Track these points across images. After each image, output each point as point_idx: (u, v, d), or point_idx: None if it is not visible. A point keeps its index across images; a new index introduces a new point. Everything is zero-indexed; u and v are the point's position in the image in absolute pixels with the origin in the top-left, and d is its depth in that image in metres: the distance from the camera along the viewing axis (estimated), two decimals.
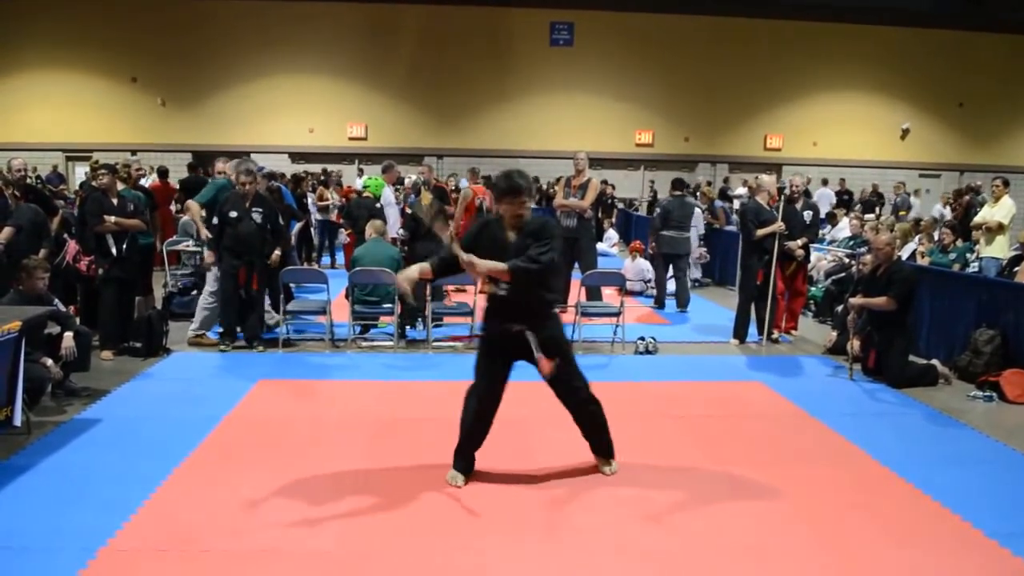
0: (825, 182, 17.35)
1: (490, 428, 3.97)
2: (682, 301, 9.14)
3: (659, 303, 9.32)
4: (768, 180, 7.65)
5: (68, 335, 5.00)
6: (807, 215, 7.48)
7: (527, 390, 4.04)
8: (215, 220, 6.55)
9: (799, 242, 7.26)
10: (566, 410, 4.03)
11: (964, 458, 4.50)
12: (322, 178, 14.32)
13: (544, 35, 20.40)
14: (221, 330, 6.75)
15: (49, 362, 4.86)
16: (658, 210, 9.56)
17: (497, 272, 3.63)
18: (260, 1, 19.34)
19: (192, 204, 7.17)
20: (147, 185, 11.69)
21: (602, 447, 4.11)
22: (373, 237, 7.27)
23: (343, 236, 12.82)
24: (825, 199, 15.74)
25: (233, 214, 6.48)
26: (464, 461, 4.00)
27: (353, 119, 20.24)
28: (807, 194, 9.41)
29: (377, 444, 4.50)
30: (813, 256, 10.18)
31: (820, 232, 12.89)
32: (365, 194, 9.05)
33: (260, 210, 6.55)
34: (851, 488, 3.99)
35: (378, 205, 8.97)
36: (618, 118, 20.66)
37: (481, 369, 3.92)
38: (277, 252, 6.72)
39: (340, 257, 12.37)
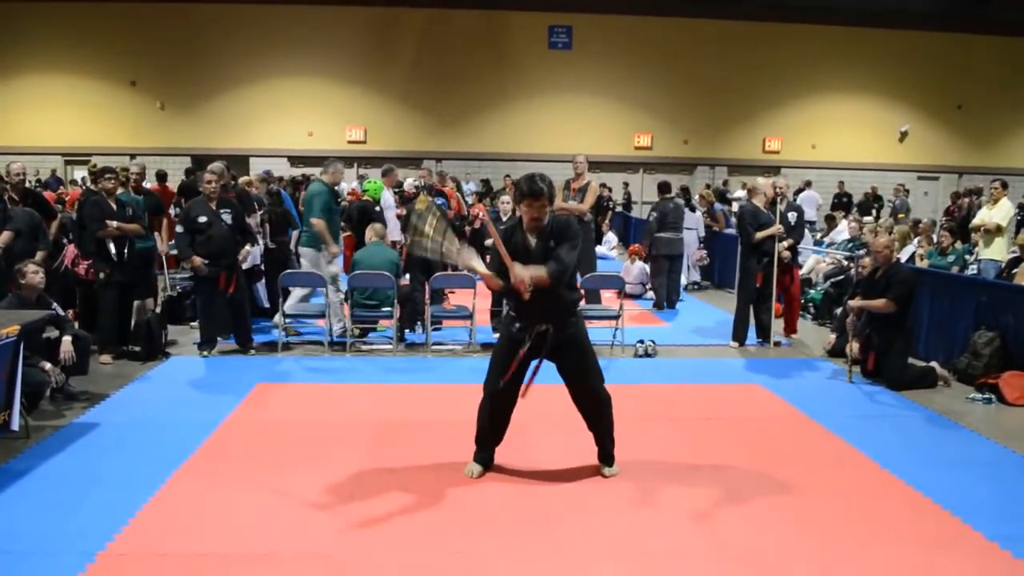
0: (809, 183, 17.19)
1: (507, 427, 4.06)
2: (672, 301, 9.39)
3: (658, 306, 9.35)
4: (763, 182, 7.65)
5: (67, 339, 5.01)
6: (791, 216, 7.48)
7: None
8: (181, 228, 6.34)
9: (784, 244, 7.26)
10: (566, 412, 4.03)
11: (964, 460, 4.49)
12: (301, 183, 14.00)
13: (543, 38, 20.42)
14: (201, 339, 6.56)
15: (48, 366, 4.86)
16: (654, 213, 9.60)
17: (540, 280, 3.57)
18: (259, 4, 19.37)
19: (318, 222, 6.83)
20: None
21: (608, 455, 4.12)
22: (373, 241, 7.27)
23: None
24: (809, 202, 15.51)
25: (202, 219, 6.26)
26: (484, 453, 4.08)
27: (352, 122, 20.25)
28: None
29: (376, 447, 4.50)
30: (812, 258, 10.20)
31: (817, 235, 12.93)
32: (364, 197, 9.07)
33: (229, 211, 6.41)
34: (850, 491, 3.98)
35: (377, 209, 8.98)
36: (617, 121, 20.68)
37: (499, 368, 3.92)
38: (247, 248, 6.62)
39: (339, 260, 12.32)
